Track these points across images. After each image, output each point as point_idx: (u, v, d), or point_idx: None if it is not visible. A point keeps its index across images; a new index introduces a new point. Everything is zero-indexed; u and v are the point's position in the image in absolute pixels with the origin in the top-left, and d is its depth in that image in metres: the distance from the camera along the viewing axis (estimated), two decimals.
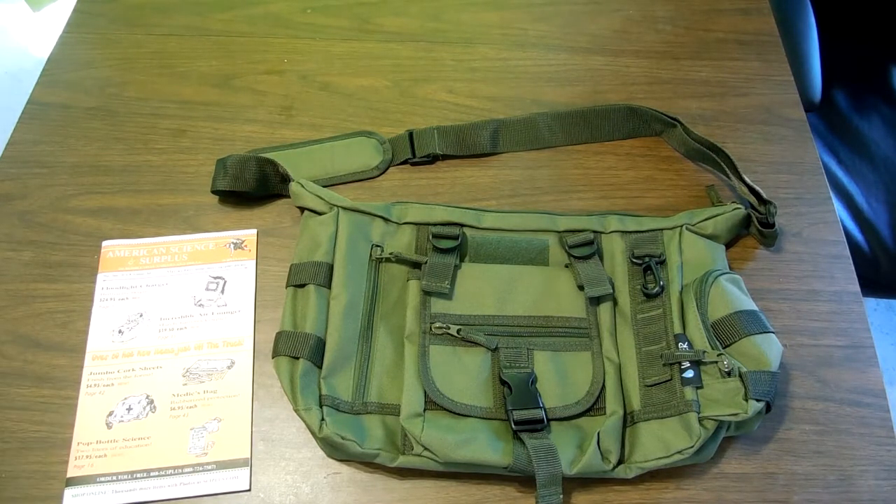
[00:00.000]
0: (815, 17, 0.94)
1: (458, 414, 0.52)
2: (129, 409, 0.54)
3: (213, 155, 0.66)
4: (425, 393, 0.52)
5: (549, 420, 0.52)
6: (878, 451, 0.54)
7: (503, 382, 0.53)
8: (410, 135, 0.67)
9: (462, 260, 0.58)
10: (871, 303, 1.40)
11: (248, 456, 0.53)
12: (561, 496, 0.48)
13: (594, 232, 0.60)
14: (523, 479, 0.51)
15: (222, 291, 0.59)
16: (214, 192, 0.63)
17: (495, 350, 0.54)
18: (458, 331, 0.54)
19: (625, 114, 0.69)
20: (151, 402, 0.54)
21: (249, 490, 0.51)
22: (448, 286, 0.56)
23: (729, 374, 0.51)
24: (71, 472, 0.52)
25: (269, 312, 0.59)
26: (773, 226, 0.60)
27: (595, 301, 0.57)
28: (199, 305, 0.59)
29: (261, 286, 0.60)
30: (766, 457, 0.54)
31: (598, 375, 0.54)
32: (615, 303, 0.57)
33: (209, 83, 0.72)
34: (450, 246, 0.58)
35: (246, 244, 0.62)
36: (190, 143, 0.68)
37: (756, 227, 0.61)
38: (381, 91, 0.72)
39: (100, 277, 0.60)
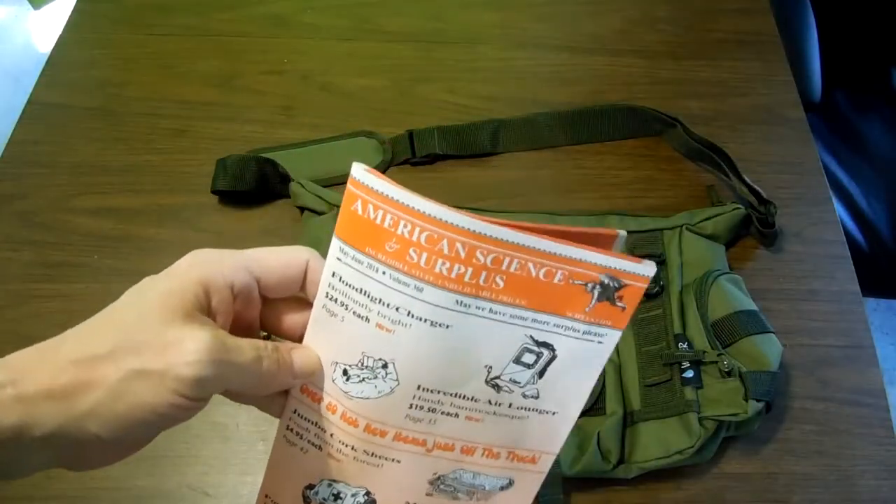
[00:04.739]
0: (815, 17, 0.94)
1: None
2: (339, 496, 0.36)
3: (213, 155, 0.65)
4: None
5: None
6: (878, 451, 0.54)
7: None
8: (410, 135, 0.67)
9: None
10: (871, 303, 1.40)
11: None
12: (561, 496, 0.48)
13: None
14: None
15: (541, 373, 0.32)
16: (214, 192, 0.63)
17: None
18: None
19: (625, 114, 0.69)
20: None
21: None
22: None
23: (729, 374, 0.51)
24: None
25: None
26: (773, 226, 0.60)
27: None
28: (494, 387, 0.32)
29: None
30: (766, 457, 0.53)
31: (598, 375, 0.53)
32: None
33: (209, 83, 0.72)
34: None
35: (625, 295, 0.30)
36: (190, 143, 0.68)
37: (756, 227, 0.61)
38: (381, 91, 0.72)
39: (338, 243, 0.29)
